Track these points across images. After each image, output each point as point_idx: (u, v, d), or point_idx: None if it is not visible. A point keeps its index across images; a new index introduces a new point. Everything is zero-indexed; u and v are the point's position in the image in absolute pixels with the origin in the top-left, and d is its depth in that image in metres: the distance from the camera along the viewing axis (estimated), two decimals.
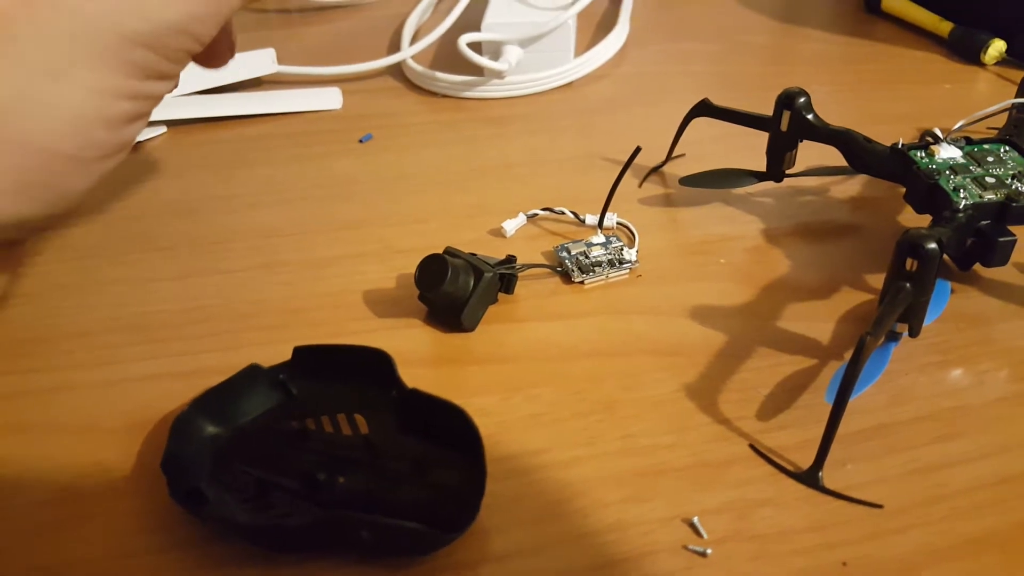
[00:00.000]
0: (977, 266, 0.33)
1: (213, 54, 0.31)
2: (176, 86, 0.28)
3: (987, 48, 0.49)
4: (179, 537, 0.24)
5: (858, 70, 0.51)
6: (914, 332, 0.28)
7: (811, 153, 0.38)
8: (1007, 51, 0.49)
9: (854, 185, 0.40)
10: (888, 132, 0.37)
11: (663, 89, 0.49)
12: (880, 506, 0.25)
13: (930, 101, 0.47)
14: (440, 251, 0.32)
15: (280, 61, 0.50)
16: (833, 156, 0.36)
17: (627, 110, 0.47)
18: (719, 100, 0.39)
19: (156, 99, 0.28)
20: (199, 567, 0.24)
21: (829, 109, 0.37)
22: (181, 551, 0.24)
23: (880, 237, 0.36)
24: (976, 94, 0.47)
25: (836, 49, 0.54)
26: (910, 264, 0.26)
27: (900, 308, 0.26)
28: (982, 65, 0.50)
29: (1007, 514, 0.25)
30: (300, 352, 0.28)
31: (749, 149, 0.39)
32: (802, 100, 0.35)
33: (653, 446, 0.27)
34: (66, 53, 0.24)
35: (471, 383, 0.30)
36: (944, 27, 0.51)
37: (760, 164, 0.38)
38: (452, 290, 0.31)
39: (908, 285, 0.26)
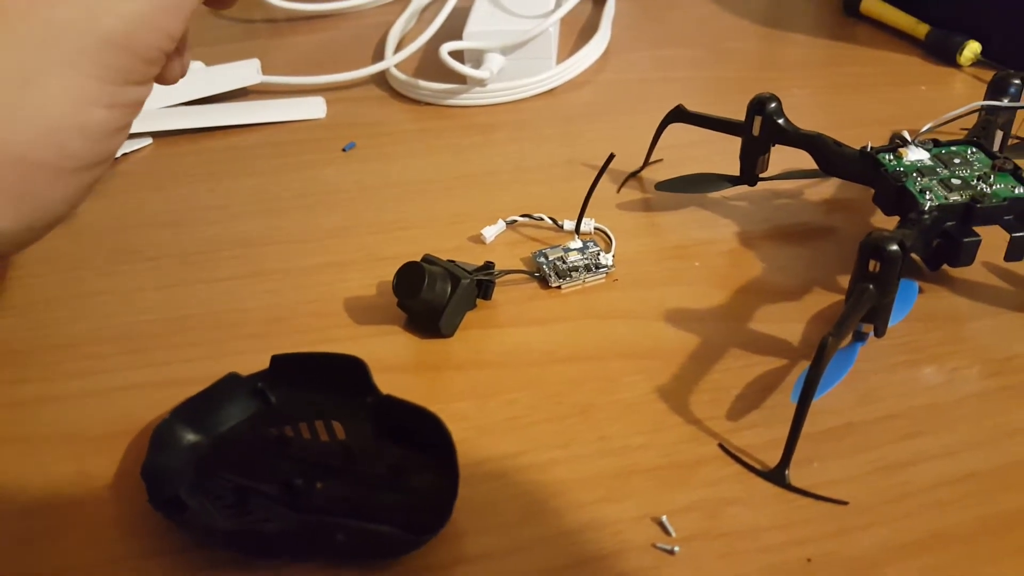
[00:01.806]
0: (946, 266, 0.34)
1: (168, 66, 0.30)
2: (150, 92, 0.28)
3: (963, 50, 0.49)
4: (160, 544, 0.25)
5: (836, 73, 0.51)
6: (879, 332, 0.28)
7: (785, 157, 0.38)
8: (982, 52, 0.49)
9: (828, 188, 0.40)
10: (863, 135, 0.38)
11: (644, 95, 0.49)
12: (846, 503, 0.25)
13: (906, 103, 0.47)
14: (420, 258, 0.33)
15: (265, 71, 0.50)
16: (807, 160, 0.37)
17: (608, 117, 0.48)
18: (700, 106, 0.39)
19: (134, 106, 0.27)
20: (179, 573, 0.24)
21: (807, 113, 0.38)
22: (162, 557, 0.25)
23: (852, 239, 0.37)
24: (951, 96, 0.48)
25: (815, 53, 0.54)
26: (873, 265, 0.27)
27: (863, 309, 0.27)
28: (958, 67, 0.50)
29: (971, 509, 0.25)
30: (278, 360, 0.28)
31: (725, 154, 0.40)
32: (773, 105, 0.35)
33: (626, 447, 0.28)
34: (39, 60, 0.24)
35: (449, 388, 0.30)
36: (921, 29, 0.52)
37: (735, 169, 0.39)
38: (430, 297, 0.31)
39: (871, 286, 0.27)
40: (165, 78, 0.30)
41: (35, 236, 0.27)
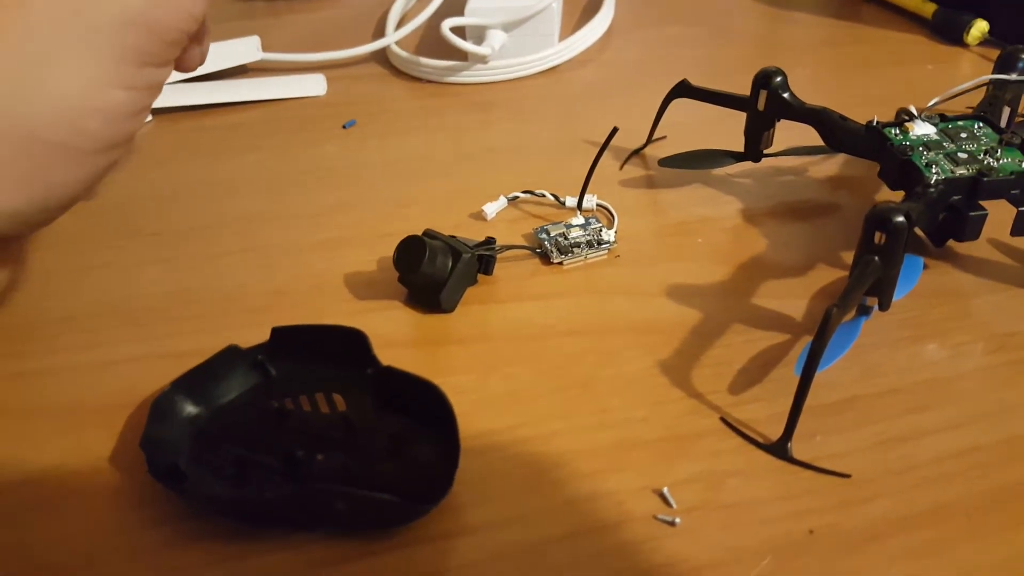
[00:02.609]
0: (952, 243, 0.33)
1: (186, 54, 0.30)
2: (169, 74, 0.28)
3: (970, 28, 0.49)
4: (159, 514, 0.25)
5: (842, 53, 0.51)
6: (884, 306, 0.28)
7: (790, 134, 0.38)
8: (989, 31, 0.49)
9: (832, 165, 0.40)
10: (869, 113, 0.37)
11: (647, 74, 0.49)
12: (848, 476, 0.25)
13: (912, 82, 0.47)
14: (421, 233, 0.32)
15: (265, 49, 0.50)
16: (811, 137, 0.37)
17: (611, 95, 0.47)
18: (703, 84, 0.39)
19: (153, 88, 0.27)
20: (178, 543, 0.24)
21: (811, 91, 0.37)
22: (161, 527, 0.25)
23: (857, 216, 0.36)
24: (958, 74, 0.48)
25: (821, 32, 0.54)
26: (878, 238, 0.26)
27: (868, 281, 0.27)
28: (965, 46, 0.50)
29: (974, 482, 0.25)
30: (278, 333, 0.28)
31: (729, 132, 0.39)
32: (778, 79, 0.35)
33: (627, 420, 0.27)
34: (57, 40, 0.24)
35: (449, 363, 0.30)
36: (928, 8, 0.52)
37: (740, 148, 0.38)
38: (430, 271, 0.31)
39: (876, 258, 0.26)
40: (184, 64, 0.30)
41: (50, 217, 0.27)
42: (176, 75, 0.48)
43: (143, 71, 0.26)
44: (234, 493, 0.24)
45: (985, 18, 0.49)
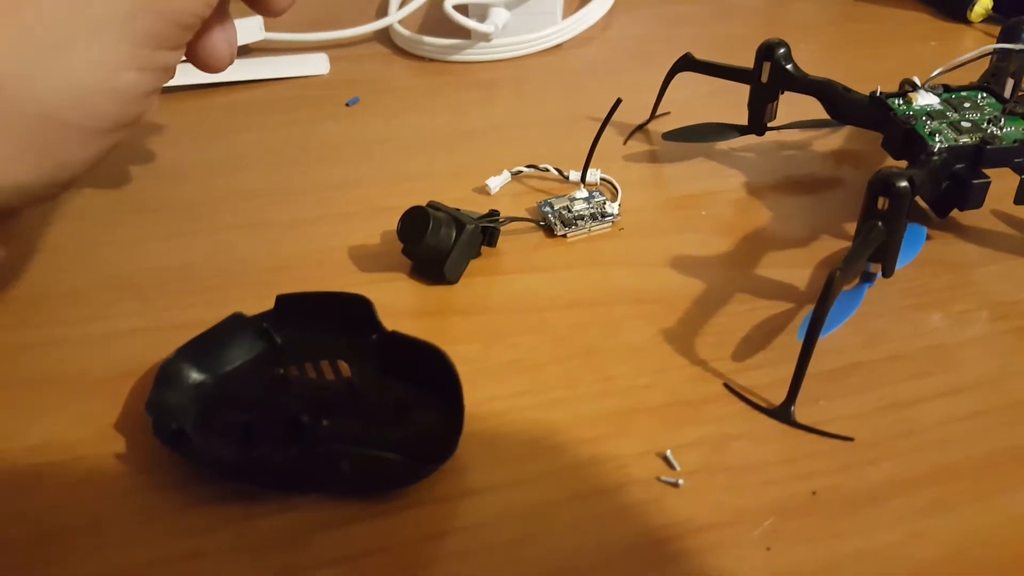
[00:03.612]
0: (955, 214, 0.33)
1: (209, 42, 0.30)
2: (181, 57, 0.28)
3: (973, 6, 0.49)
4: (165, 479, 0.25)
5: (846, 30, 0.51)
6: (887, 272, 0.28)
7: (793, 108, 0.38)
8: (993, 8, 0.49)
9: (836, 139, 0.40)
10: (872, 88, 0.37)
11: (651, 51, 0.49)
12: (851, 439, 0.25)
13: (916, 58, 0.47)
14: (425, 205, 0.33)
15: (268, 29, 0.50)
16: (815, 111, 0.37)
17: (614, 72, 0.47)
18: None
19: (165, 71, 0.27)
20: (184, 506, 0.24)
21: (815, 68, 0.37)
22: (166, 491, 0.25)
23: (860, 189, 0.35)
24: (961, 50, 0.47)
25: (825, 9, 0.54)
26: (882, 203, 0.26)
27: (872, 247, 0.27)
28: (968, 23, 0.50)
29: (976, 445, 0.25)
30: (282, 300, 0.28)
31: (733, 106, 0.39)
32: (782, 51, 0.35)
33: (630, 387, 0.28)
34: (71, 22, 0.24)
35: (454, 332, 0.30)
36: None
37: (744, 120, 0.38)
38: (434, 242, 0.31)
39: (880, 224, 0.26)
40: (212, 60, 0.30)
41: (56, 192, 0.27)
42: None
43: (156, 54, 0.26)
44: (239, 456, 0.25)
45: None
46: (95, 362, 0.29)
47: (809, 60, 0.37)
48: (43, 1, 0.24)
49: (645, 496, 0.24)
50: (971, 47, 0.48)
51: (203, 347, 0.27)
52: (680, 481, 0.24)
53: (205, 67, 0.30)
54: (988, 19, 0.49)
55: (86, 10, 0.25)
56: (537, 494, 0.24)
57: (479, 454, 0.25)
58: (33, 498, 0.25)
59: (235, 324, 0.28)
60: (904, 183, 0.26)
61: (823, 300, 0.25)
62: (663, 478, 0.24)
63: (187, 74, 0.46)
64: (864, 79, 0.44)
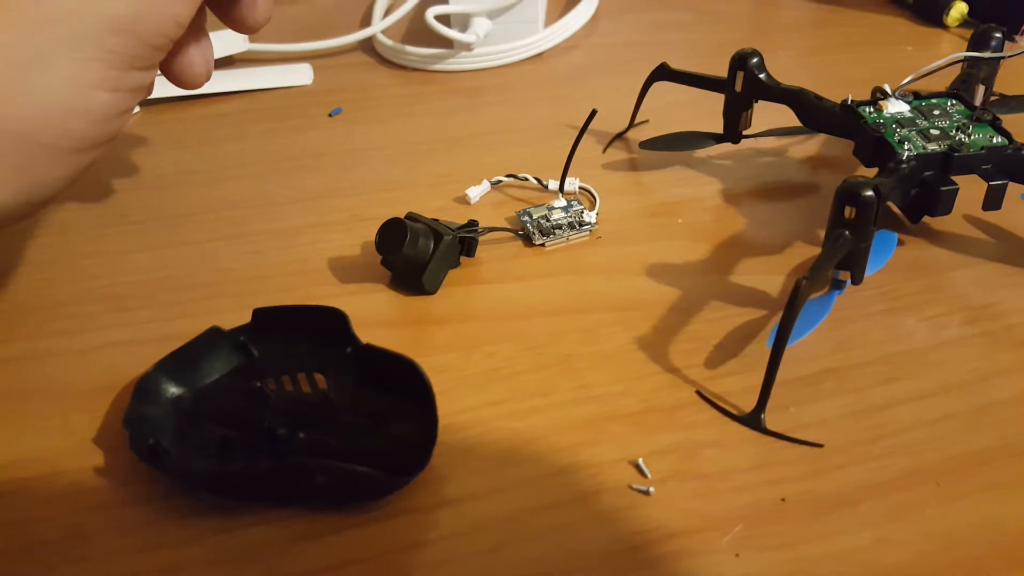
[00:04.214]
0: (927, 219, 0.34)
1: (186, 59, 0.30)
2: (155, 76, 0.28)
3: (949, 10, 0.49)
4: (143, 492, 0.25)
5: (823, 35, 0.51)
6: (856, 279, 0.29)
7: (769, 115, 0.38)
8: (969, 13, 0.49)
9: (811, 146, 0.40)
10: (847, 94, 0.38)
11: (633, 59, 0.49)
12: (820, 445, 0.26)
13: (891, 63, 0.47)
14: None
15: (252, 39, 0.50)
16: (790, 118, 0.37)
17: (596, 80, 0.48)
18: (688, 67, 0.39)
19: (138, 91, 0.28)
20: (163, 519, 0.25)
21: (794, 73, 0.38)
22: (145, 505, 0.25)
23: None
24: (937, 56, 0.47)
25: (803, 15, 0.54)
26: (848, 212, 0.27)
27: (839, 254, 0.27)
28: (945, 28, 0.50)
29: (944, 449, 0.26)
30: (259, 314, 0.29)
31: (710, 114, 0.40)
32: (755, 60, 0.35)
33: (605, 395, 0.28)
34: (44, 42, 0.25)
35: (432, 342, 0.31)
36: None
37: (720, 129, 0.39)
38: (412, 253, 0.32)
39: (847, 232, 0.27)
40: (184, 75, 0.30)
41: (30, 211, 0.27)
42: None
43: (129, 74, 0.27)
44: (215, 469, 0.25)
45: (966, 0, 0.49)
46: (77, 375, 0.30)
47: (789, 64, 0.38)
48: (17, 23, 0.25)
49: (618, 504, 0.24)
50: (947, 51, 0.48)
51: (180, 361, 0.28)
52: (651, 489, 0.25)
53: (181, 83, 0.30)
54: (964, 23, 0.50)
55: (60, 32, 0.25)
56: (512, 503, 0.25)
57: (456, 463, 0.26)
58: (11, 511, 0.25)
59: (212, 338, 0.28)
60: (870, 192, 0.26)
61: (790, 308, 0.25)
62: (635, 486, 0.25)
63: (169, 86, 0.47)
64: (842, 83, 0.45)
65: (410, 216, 0.33)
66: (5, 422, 0.28)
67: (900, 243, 0.33)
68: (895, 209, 0.34)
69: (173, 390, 0.27)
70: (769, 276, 0.32)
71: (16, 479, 0.26)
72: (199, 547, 0.24)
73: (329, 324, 0.28)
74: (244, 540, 0.24)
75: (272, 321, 0.28)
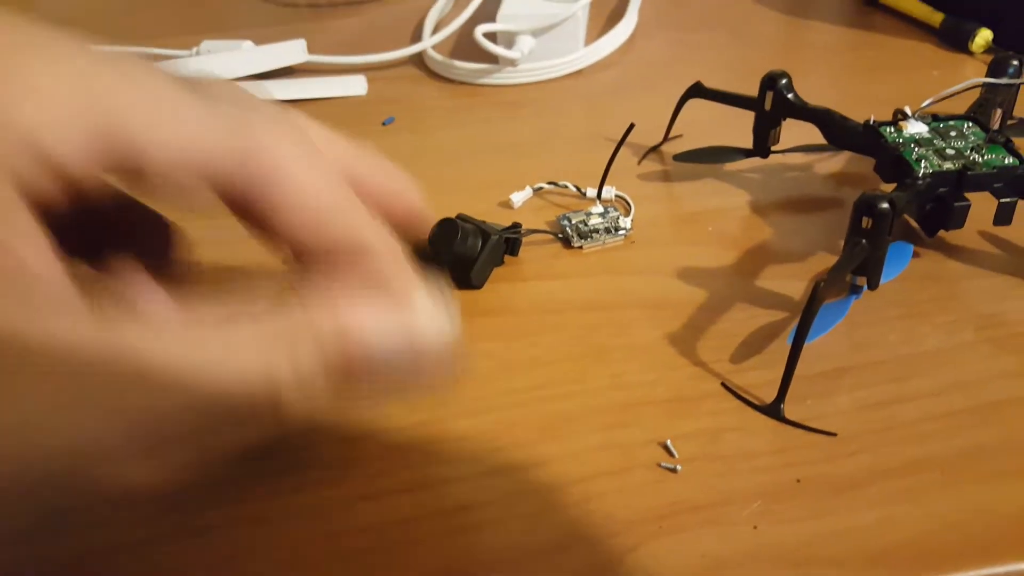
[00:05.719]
0: (942, 233, 0.36)
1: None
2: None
3: (974, 37, 0.51)
4: None
5: (852, 58, 0.54)
6: (872, 285, 0.31)
7: (797, 132, 0.41)
8: (993, 40, 0.51)
9: (836, 163, 0.43)
10: (874, 114, 0.40)
11: (667, 76, 0.52)
12: (834, 434, 0.28)
13: (917, 87, 0.49)
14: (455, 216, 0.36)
15: (310, 51, 0.54)
16: (817, 136, 0.39)
17: (632, 96, 0.50)
18: (721, 86, 0.42)
19: None
20: (244, 476, 0.28)
21: (821, 93, 0.40)
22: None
23: None
24: (962, 79, 0.49)
25: (833, 39, 0.56)
26: (866, 222, 0.29)
27: (856, 261, 0.29)
28: (970, 54, 0.52)
29: (949, 441, 0.28)
30: None
31: (740, 130, 0.42)
32: (783, 81, 0.38)
33: (637, 383, 0.31)
34: None
35: (478, 331, 0.33)
36: (936, 18, 0.54)
37: (750, 144, 0.41)
38: (462, 250, 0.35)
39: (864, 241, 0.29)
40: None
41: None
42: (228, 76, 0.52)
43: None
44: None
45: (991, 27, 0.51)
46: None
47: (816, 86, 0.40)
48: None
49: (647, 478, 0.27)
50: (971, 76, 0.50)
51: None
52: (678, 467, 0.27)
53: None
54: (989, 50, 0.52)
55: None
56: (548, 474, 0.27)
57: (502, 438, 0.28)
58: None
59: None
60: (885, 204, 0.29)
61: (809, 307, 0.27)
62: (663, 464, 0.27)
63: None
64: (868, 104, 0.47)
65: (460, 217, 0.36)
66: None
67: (916, 254, 0.35)
68: (913, 223, 0.36)
69: None
70: (792, 281, 0.35)
71: None
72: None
73: None
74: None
75: None
